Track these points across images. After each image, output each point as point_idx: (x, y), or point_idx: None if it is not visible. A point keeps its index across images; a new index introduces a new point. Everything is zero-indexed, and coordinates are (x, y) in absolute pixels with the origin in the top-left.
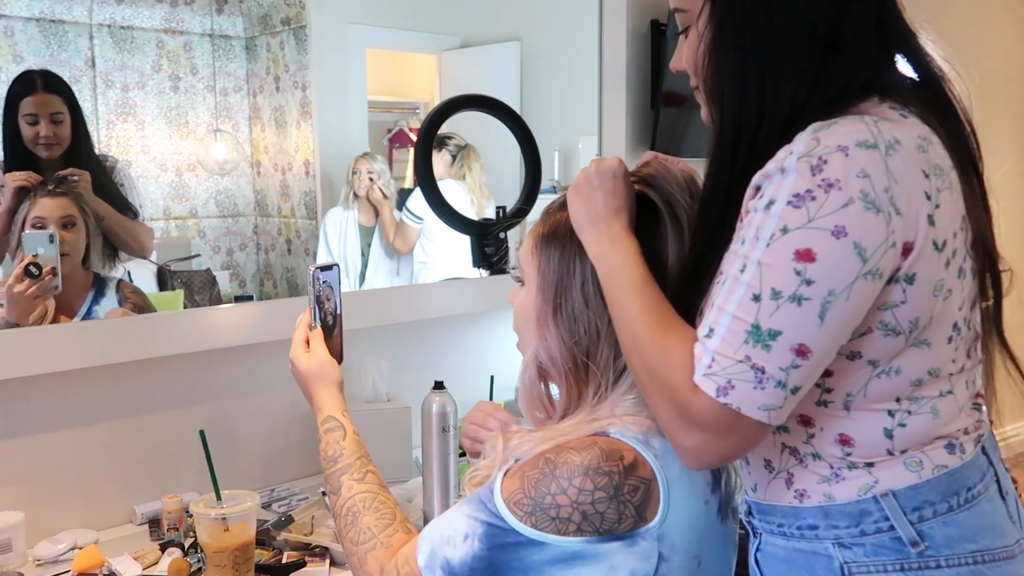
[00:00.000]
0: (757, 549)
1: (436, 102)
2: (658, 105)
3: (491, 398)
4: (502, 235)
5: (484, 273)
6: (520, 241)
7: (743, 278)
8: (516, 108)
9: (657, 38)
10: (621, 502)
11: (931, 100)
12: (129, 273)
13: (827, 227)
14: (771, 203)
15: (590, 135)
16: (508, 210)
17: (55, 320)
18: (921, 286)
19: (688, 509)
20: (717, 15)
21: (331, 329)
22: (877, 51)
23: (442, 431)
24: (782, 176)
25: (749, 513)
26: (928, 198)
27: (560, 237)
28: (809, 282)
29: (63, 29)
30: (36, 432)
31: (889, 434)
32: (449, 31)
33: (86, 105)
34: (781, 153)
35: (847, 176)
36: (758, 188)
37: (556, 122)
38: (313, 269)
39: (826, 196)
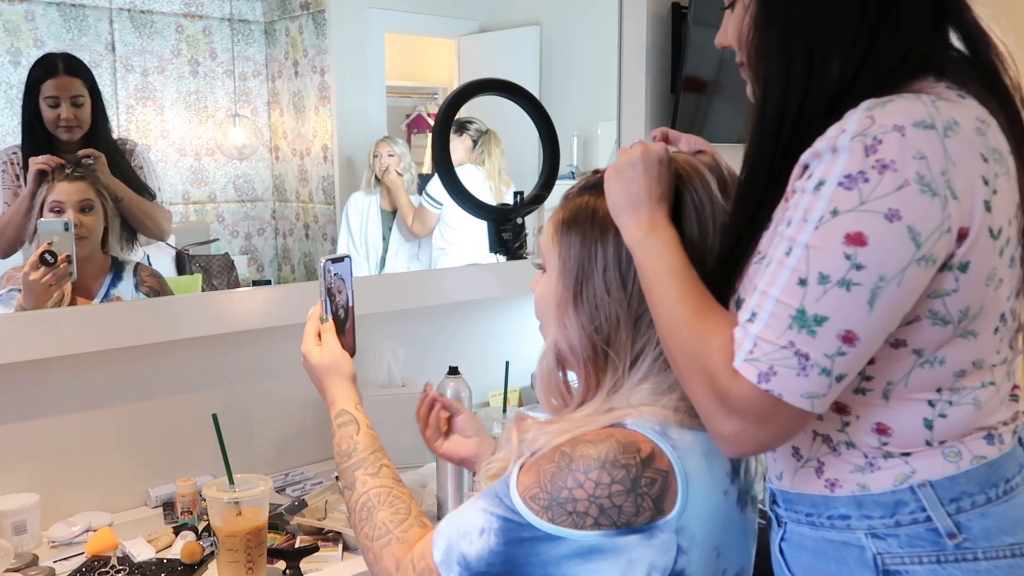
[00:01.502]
0: (782, 539)
1: (455, 87)
2: (678, 90)
3: (506, 384)
4: (520, 221)
5: (501, 259)
6: (539, 227)
7: (789, 261)
8: (535, 93)
9: (678, 22)
10: (639, 495)
11: (986, 80)
12: (148, 257)
13: (880, 210)
14: (821, 184)
15: (609, 120)
16: (526, 196)
17: (73, 303)
18: (974, 275)
19: (707, 500)
20: None
21: (343, 322)
22: (932, 25)
23: None
24: (833, 156)
25: (773, 502)
26: (986, 183)
27: (581, 223)
28: (859, 267)
29: (83, 13)
30: (52, 414)
31: (929, 424)
32: (468, 15)
33: (106, 90)
34: (832, 131)
35: (903, 157)
36: (806, 167)
37: (575, 107)
38: (324, 261)
39: (880, 178)
